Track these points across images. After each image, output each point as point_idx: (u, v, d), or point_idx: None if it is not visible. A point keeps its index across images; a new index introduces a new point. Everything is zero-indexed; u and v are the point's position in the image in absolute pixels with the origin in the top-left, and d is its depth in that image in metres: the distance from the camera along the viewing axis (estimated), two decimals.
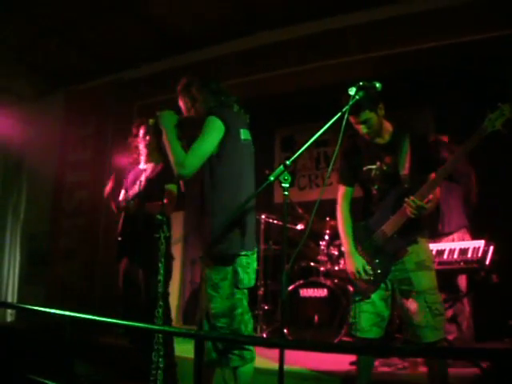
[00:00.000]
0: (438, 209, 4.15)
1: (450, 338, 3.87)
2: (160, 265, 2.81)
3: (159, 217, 2.86)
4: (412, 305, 2.59)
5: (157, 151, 3.55)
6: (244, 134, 2.71)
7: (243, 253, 2.57)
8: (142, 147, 3.63)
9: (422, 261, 2.64)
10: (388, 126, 2.78)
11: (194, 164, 2.56)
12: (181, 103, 2.84)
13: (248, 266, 2.61)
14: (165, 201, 3.16)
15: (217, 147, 2.60)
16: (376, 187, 2.77)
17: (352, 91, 2.50)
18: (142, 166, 3.69)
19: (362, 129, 2.66)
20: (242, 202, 2.55)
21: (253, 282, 2.66)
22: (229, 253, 2.56)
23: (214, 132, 2.59)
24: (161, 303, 2.81)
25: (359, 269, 2.69)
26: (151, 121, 2.82)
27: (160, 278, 2.81)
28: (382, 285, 2.70)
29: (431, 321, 2.55)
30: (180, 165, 2.54)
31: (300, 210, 5.14)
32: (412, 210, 2.54)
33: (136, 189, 3.56)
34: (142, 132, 3.61)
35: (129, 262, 3.52)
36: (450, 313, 3.93)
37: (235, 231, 2.56)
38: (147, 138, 3.58)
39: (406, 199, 2.56)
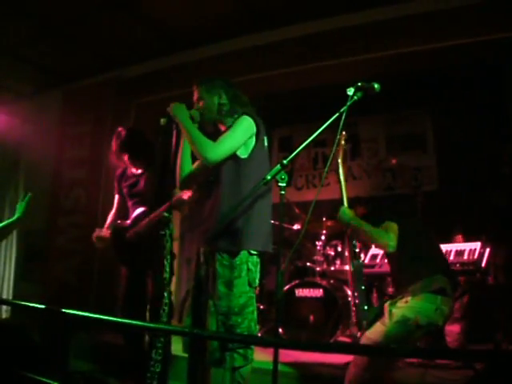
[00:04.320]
0: None
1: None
2: (166, 262, 2.80)
3: (166, 214, 2.86)
4: None
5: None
6: (266, 142, 2.78)
7: (254, 251, 2.59)
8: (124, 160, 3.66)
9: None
10: None
11: (222, 152, 2.58)
12: (200, 100, 2.81)
13: (257, 265, 2.64)
14: (185, 195, 3.21)
15: (245, 149, 2.64)
16: None
17: (350, 91, 2.51)
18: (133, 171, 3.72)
19: None
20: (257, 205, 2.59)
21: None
22: (247, 247, 2.56)
23: (244, 130, 2.63)
24: (167, 301, 2.79)
25: None
26: (163, 120, 2.80)
27: (166, 275, 2.80)
28: None
29: None
30: (209, 150, 2.56)
31: (297, 210, 5.14)
32: None
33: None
34: (114, 145, 3.64)
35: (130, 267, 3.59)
36: None
37: (251, 228, 2.57)
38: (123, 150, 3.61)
39: None
